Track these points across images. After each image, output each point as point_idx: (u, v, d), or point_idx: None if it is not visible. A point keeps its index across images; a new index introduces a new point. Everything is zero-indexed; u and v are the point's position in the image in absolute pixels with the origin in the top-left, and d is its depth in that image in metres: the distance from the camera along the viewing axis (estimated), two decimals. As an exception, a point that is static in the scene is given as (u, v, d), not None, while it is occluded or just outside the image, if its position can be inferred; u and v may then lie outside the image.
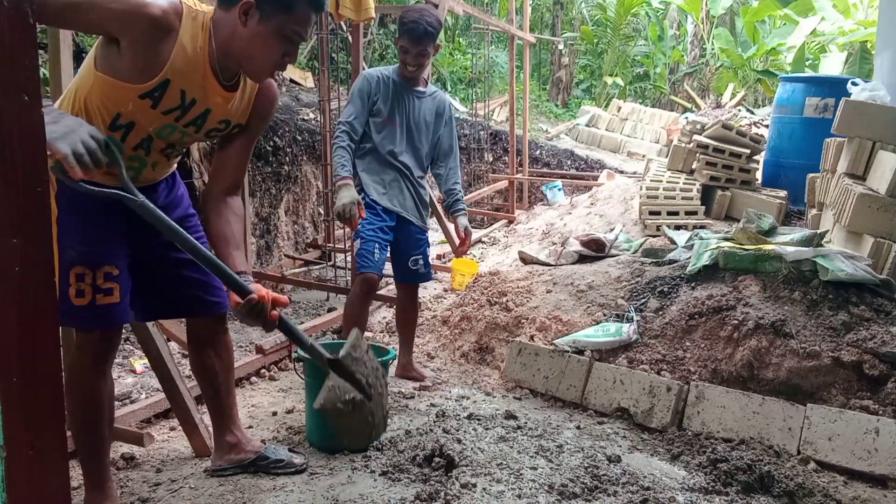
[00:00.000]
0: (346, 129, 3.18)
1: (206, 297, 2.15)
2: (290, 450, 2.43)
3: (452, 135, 3.44)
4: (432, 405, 3.07)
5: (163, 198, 2.06)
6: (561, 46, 15.10)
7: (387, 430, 2.69)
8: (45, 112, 1.46)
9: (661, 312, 3.40)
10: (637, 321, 3.34)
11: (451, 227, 3.69)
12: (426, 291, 5.19)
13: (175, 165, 2.14)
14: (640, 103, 13.94)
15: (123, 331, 3.73)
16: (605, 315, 3.55)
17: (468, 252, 6.42)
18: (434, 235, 6.89)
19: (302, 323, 4.21)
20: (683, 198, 5.42)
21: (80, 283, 1.85)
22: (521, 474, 2.33)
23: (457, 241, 3.49)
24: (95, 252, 1.87)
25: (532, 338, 3.52)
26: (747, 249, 3.46)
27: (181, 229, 1.75)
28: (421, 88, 3.32)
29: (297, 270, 5.45)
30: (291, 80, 7.95)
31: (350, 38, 5.13)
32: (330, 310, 4.48)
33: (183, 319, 2.44)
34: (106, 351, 2.00)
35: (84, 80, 1.82)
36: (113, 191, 1.68)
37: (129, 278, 1.96)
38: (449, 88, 11.98)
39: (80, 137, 1.51)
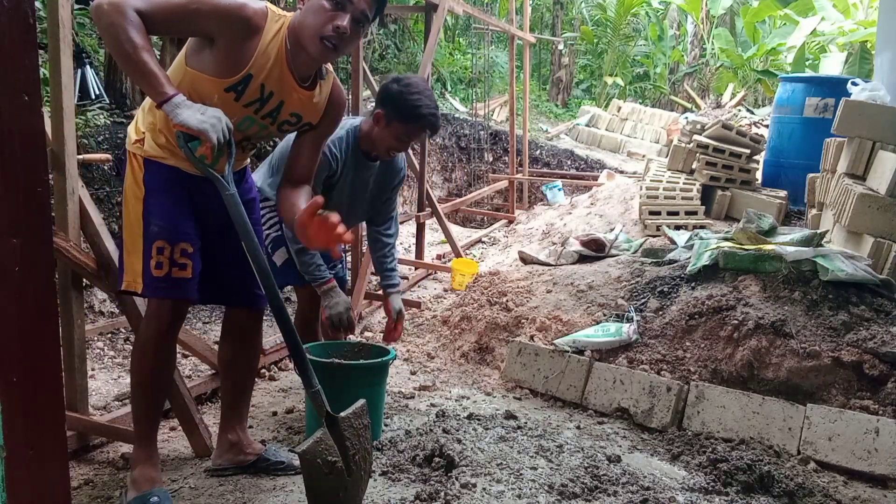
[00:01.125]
0: None
1: (252, 289, 2.23)
2: (290, 450, 2.43)
3: (396, 200, 3.12)
4: (432, 405, 3.07)
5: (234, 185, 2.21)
6: (561, 46, 15.10)
7: (386, 431, 2.70)
8: (181, 101, 1.80)
9: (661, 312, 3.40)
10: (637, 321, 3.34)
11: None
12: (426, 291, 5.19)
13: (248, 160, 2.33)
14: (640, 103, 13.94)
15: (123, 330, 3.75)
16: (605, 315, 3.55)
17: (468, 252, 6.44)
18: (435, 235, 6.91)
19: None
20: (683, 198, 5.43)
21: (160, 256, 2.01)
22: (521, 474, 2.33)
23: (392, 321, 2.97)
24: (175, 229, 2.04)
25: (532, 338, 3.52)
26: (747, 249, 3.46)
27: (253, 232, 1.95)
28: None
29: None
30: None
31: (350, 38, 5.13)
32: (330, 310, 4.48)
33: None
34: (174, 322, 2.11)
35: (175, 74, 1.98)
36: (215, 175, 1.91)
37: (199, 258, 2.11)
38: (449, 88, 11.98)
39: (223, 127, 1.85)
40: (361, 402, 2.08)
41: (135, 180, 2.04)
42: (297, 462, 2.33)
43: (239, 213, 1.92)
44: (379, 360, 2.61)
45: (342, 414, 1.97)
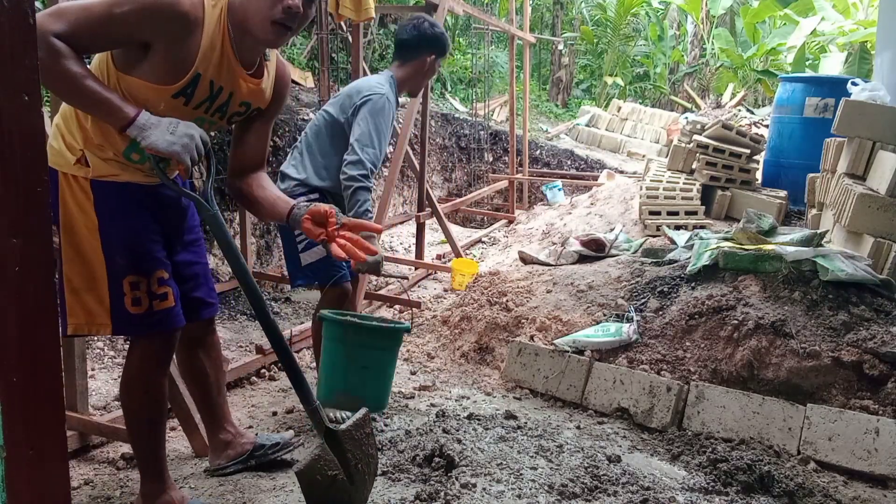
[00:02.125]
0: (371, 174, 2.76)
1: (208, 299, 2.16)
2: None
3: None
4: (432, 405, 3.07)
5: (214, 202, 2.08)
6: (561, 46, 15.10)
7: (386, 431, 2.70)
8: (146, 122, 1.62)
9: (661, 312, 3.40)
10: (637, 321, 3.34)
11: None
12: (426, 291, 5.19)
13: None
14: (640, 103, 13.93)
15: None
16: (605, 315, 3.55)
17: (468, 252, 6.44)
18: (434, 235, 6.91)
19: (302, 323, 4.22)
20: (683, 198, 5.42)
21: (136, 292, 1.84)
22: (521, 474, 2.33)
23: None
24: (146, 258, 1.86)
25: (532, 338, 3.52)
26: (747, 249, 3.46)
27: (240, 254, 1.83)
28: None
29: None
30: (291, 80, 7.94)
31: (350, 38, 5.14)
32: (330, 310, 4.47)
33: None
34: (167, 353, 2.00)
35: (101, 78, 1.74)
36: (194, 197, 1.79)
37: (174, 279, 1.96)
38: (449, 88, 11.97)
39: (195, 145, 1.68)
40: (363, 411, 2.05)
41: (80, 209, 1.79)
42: (287, 435, 2.35)
43: (223, 233, 1.79)
44: (392, 324, 2.61)
45: (342, 427, 1.93)
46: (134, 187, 1.85)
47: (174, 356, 2.15)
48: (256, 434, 2.44)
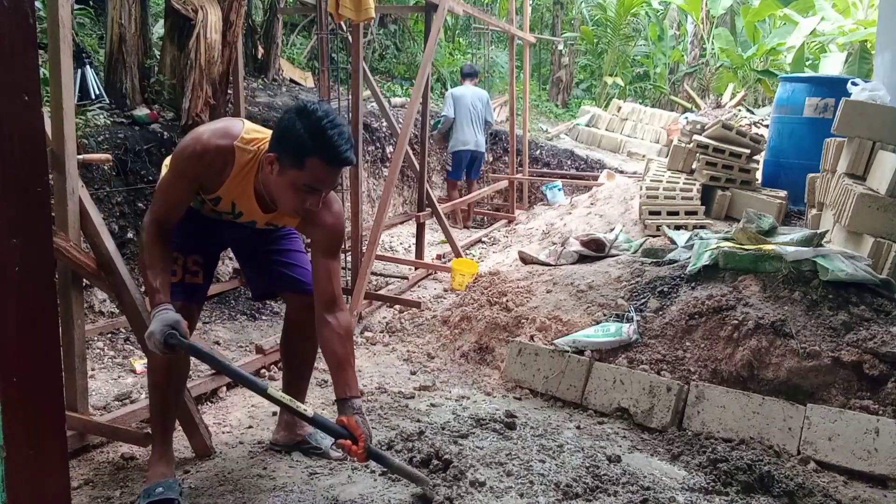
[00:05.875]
0: None
1: (293, 275, 2.46)
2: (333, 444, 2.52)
3: None
4: (432, 405, 3.07)
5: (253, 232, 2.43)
6: (561, 46, 15.09)
7: (387, 431, 2.70)
8: (155, 314, 2.03)
9: (661, 312, 3.40)
10: (637, 321, 3.34)
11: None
12: (426, 291, 5.19)
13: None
14: (640, 103, 13.91)
15: (123, 330, 3.75)
16: (605, 315, 3.55)
17: (468, 252, 6.44)
18: (434, 235, 6.90)
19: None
20: (683, 198, 5.42)
21: (174, 265, 2.25)
22: (521, 474, 2.33)
23: None
24: (187, 246, 2.30)
25: (532, 338, 3.52)
26: (747, 249, 3.46)
27: (223, 362, 2.14)
28: None
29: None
30: (291, 80, 7.94)
31: (350, 38, 5.13)
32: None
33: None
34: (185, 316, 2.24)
35: None
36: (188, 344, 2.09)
37: (212, 268, 2.42)
38: (449, 88, 11.95)
39: (154, 341, 2.00)
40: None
41: None
42: (333, 454, 2.52)
43: (202, 354, 2.09)
44: None
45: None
46: (193, 209, 2.30)
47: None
48: (311, 431, 2.58)
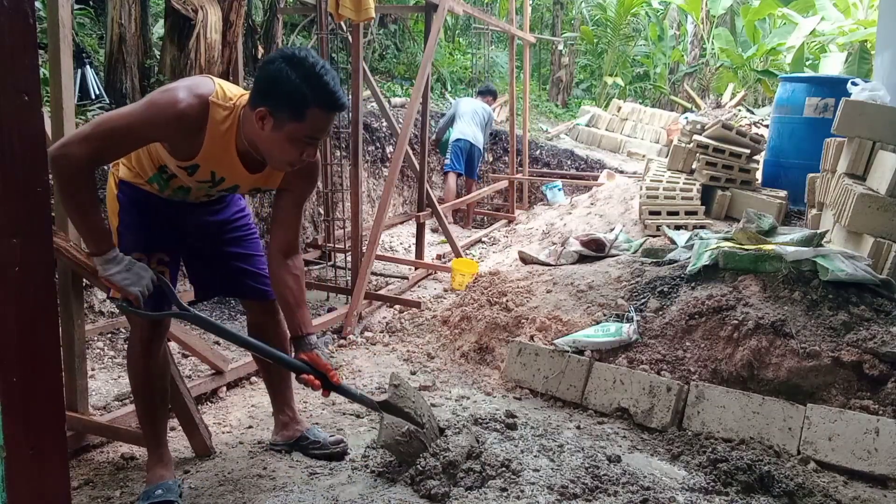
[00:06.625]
0: None
1: (255, 284, 2.41)
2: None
3: None
4: (432, 405, 3.07)
5: (213, 206, 2.34)
6: (561, 46, 15.09)
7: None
8: (111, 258, 1.93)
9: (661, 312, 3.40)
10: (637, 321, 3.34)
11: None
12: (426, 291, 5.19)
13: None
14: (640, 103, 13.92)
15: (123, 330, 3.75)
16: (605, 315, 3.55)
17: (468, 252, 6.44)
18: (434, 236, 6.91)
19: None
20: (683, 198, 5.42)
21: None
22: (521, 474, 2.33)
23: None
24: (150, 241, 2.17)
25: (532, 338, 3.52)
26: (747, 249, 3.46)
27: (232, 332, 2.17)
28: None
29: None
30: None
31: (350, 38, 5.13)
32: (330, 309, 4.48)
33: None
34: (155, 326, 2.22)
35: None
36: (174, 311, 2.09)
37: (176, 266, 2.28)
38: (449, 88, 11.96)
39: (145, 283, 1.97)
40: (394, 373, 2.44)
41: (112, 196, 2.20)
42: (331, 440, 2.55)
43: (208, 324, 2.12)
44: None
45: (386, 395, 2.32)
46: (151, 195, 2.17)
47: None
48: (308, 426, 2.62)
